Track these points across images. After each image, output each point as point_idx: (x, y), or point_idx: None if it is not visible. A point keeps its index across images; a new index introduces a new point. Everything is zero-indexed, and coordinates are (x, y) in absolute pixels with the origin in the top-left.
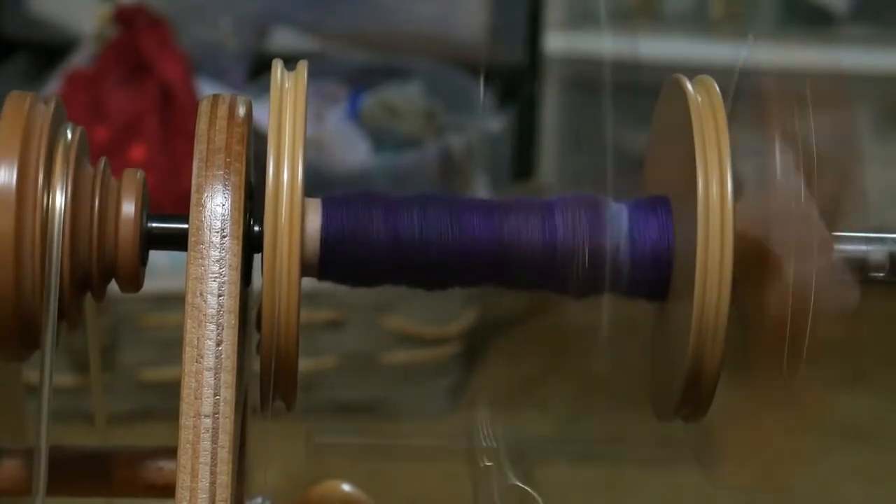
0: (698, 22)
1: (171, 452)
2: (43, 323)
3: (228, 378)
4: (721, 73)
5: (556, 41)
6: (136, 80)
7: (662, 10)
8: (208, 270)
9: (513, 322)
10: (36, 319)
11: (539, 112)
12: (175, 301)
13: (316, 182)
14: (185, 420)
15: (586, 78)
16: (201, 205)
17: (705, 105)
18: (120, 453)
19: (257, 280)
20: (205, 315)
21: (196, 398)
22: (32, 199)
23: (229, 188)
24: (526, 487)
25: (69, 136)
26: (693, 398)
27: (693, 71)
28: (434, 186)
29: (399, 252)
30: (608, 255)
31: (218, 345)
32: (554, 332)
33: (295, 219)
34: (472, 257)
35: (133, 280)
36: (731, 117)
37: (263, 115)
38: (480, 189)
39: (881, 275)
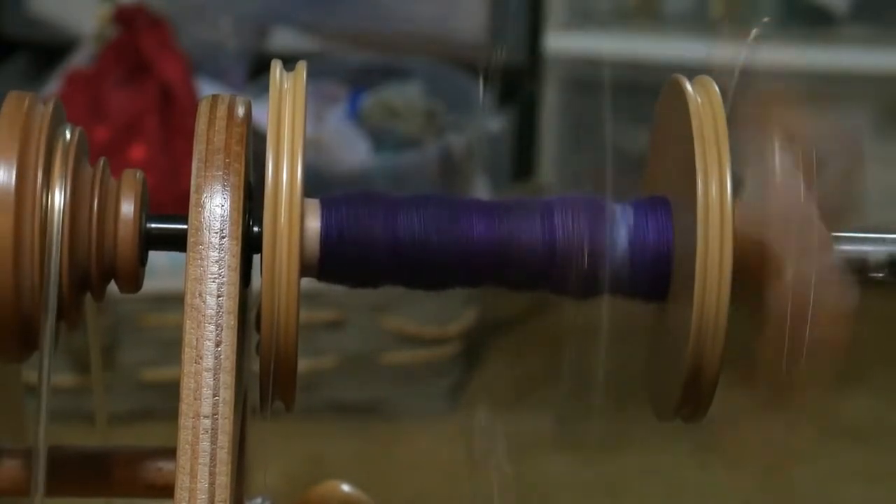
0: (698, 22)
1: (171, 453)
2: (42, 323)
3: (228, 379)
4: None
5: (556, 41)
6: (136, 80)
7: (662, 10)
8: (207, 271)
9: (513, 322)
10: (35, 320)
11: (539, 112)
12: (175, 301)
13: (316, 182)
14: (185, 420)
15: (586, 78)
16: (200, 205)
17: (705, 105)
18: (120, 453)
19: (257, 280)
20: (204, 316)
21: (195, 399)
22: (31, 199)
23: (228, 188)
24: (525, 487)
25: (68, 136)
26: (693, 398)
27: (693, 71)
28: (434, 186)
29: (399, 252)
30: (608, 256)
31: (217, 345)
32: (554, 332)
33: (294, 219)
34: (471, 257)
35: (132, 280)
36: (731, 117)
37: (263, 115)
38: (480, 189)
39: (881, 275)
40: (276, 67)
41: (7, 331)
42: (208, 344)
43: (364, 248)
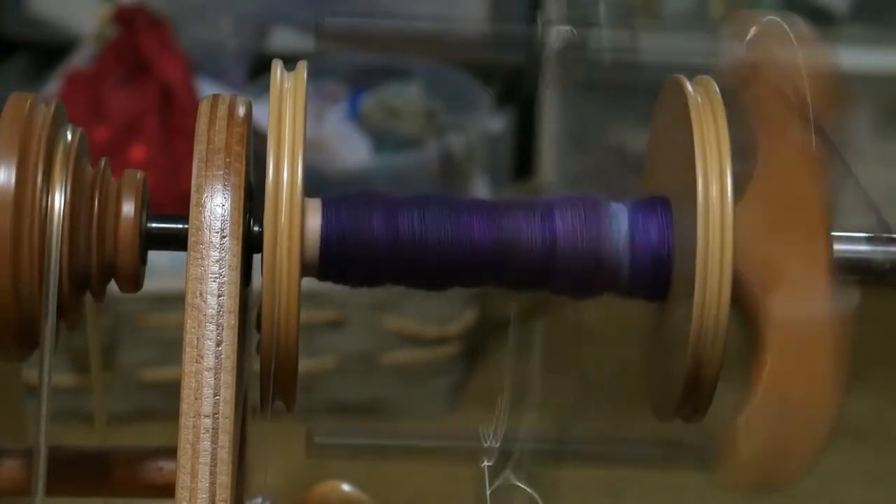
0: (698, 22)
1: (171, 452)
2: (42, 323)
3: (228, 378)
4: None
5: (556, 41)
6: (136, 80)
7: (662, 9)
8: (208, 271)
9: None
10: (35, 319)
11: (539, 112)
12: (175, 301)
13: (316, 182)
14: (185, 420)
15: (586, 78)
16: (201, 205)
17: (705, 105)
18: (120, 453)
19: (257, 280)
20: (205, 315)
21: (196, 398)
22: (31, 199)
23: (229, 188)
24: (526, 488)
25: (69, 136)
26: (693, 398)
27: (693, 71)
28: (434, 186)
29: (399, 252)
30: (608, 256)
31: (218, 345)
32: (554, 332)
33: (295, 219)
34: (471, 257)
35: (133, 280)
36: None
37: (263, 115)
38: (480, 189)
39: (881, 275)
40: (277, 67)
41: (7, 331)
42: (209, 343)
43: (364, 247)
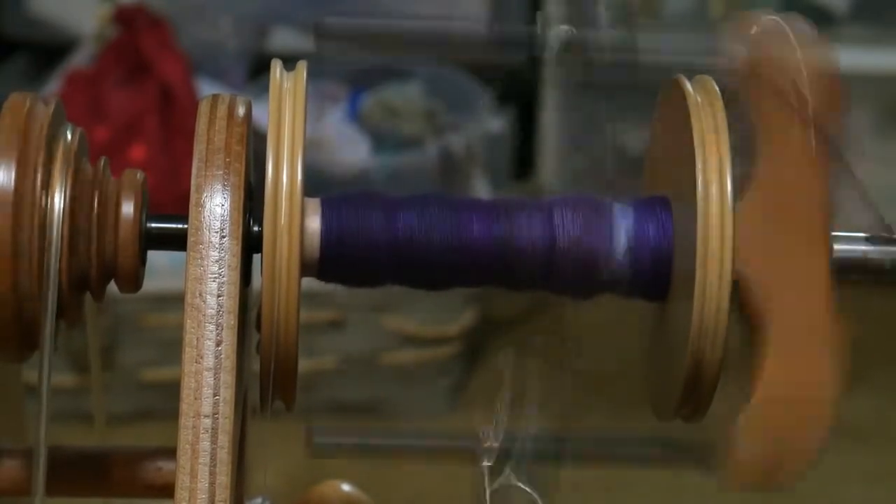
0: (698, 22)
1: (171, 453)
2: (42, 323)
3: (228, 378)
4: (721, 73)
5: (556, 41)
6: (136, 80)
7: (662, 9)
8: (208, 271)
9: (513, 322)
10: (35, 320)
11: (539, 112)
12: (175, 301)
13: (316, 182)
14: (185, 420)
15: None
16: (201, 205)
17: (705, 105)
18: (119, 453)
19: (257, 280)
20: (204, 315)
21: (196, 398)
22: (31, 199)
23: (229, 188)
24: (526, 488)
25: (69, 136)
26: (693, 398)
27: (693, 71)
28: (434, 186)
29: (399, 252)
30: (608, 256)
31: (217, 345)
32: (554, 332)
33: (295, 219)
34: (471, 257)
35: (132, 280)
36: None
37: (263, 115)
38: (480, 189)
39: (881, 275)
40: (277, 67)
41: (7, 330)
42: (209, 343)
43: (364, 247)
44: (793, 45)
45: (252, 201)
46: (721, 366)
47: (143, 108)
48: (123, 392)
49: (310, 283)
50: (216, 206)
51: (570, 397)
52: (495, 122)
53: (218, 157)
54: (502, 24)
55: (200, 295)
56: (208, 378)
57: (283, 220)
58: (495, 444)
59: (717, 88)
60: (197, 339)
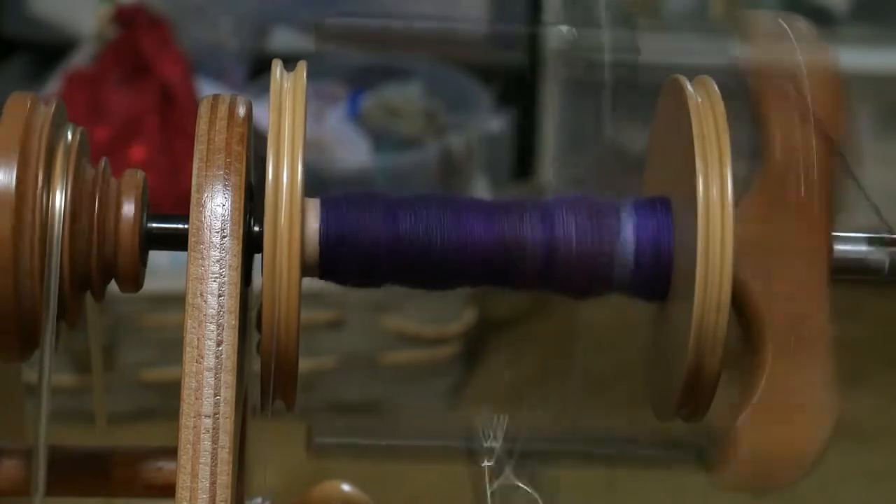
0: (698, 22)
1: (171, 452)
2: (42, 323)
3: (229, 378)
4: (721, 73)
5: (556, 41)
6: (136, 80)
7: (662, 9)
8: (208, 270)
9: (513, 322)
10: (36, 319)
11: (539, 112)
12: (175, 301)
13: (316, 182)
14: (185, 420)
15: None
16: (201, 205)
17: (705, 105)
18: (120, 453)
19: (257, 280)
20: (205, 315)
21: (196, 398)
22: (32, 199)
23: (229, 188)
24: (525, 487)
25: (69, 136)
26: (693, 398)
27: (693, 71)
28: (434, 186)
29: (399, 252)
30: (608, 256)
31: (218, 345)
32: (554, 332)
33: (295, 219)
34: (471, 257)
35: (133, 280)
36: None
37: (263, 115)
38: (480, 189)
39: (881, 275)
40: (277, 67)
41: (7, 330)
42: (209, 343)
43: (364, 247)
44: (794, 46)
45: (252, 201)
46: (721, 366)
47: (143, 108)
48: (124, 392)
49: (310, 283)
50: (217, 206)
51: (574, 397)
52: (495, 122)
53: (218, 157)
54: (502, 24)
55: (201, 295)
56: (209, 378)
57: (283, 220)
58: (496, 444)
59: (717, 89)
60: (198, 338)
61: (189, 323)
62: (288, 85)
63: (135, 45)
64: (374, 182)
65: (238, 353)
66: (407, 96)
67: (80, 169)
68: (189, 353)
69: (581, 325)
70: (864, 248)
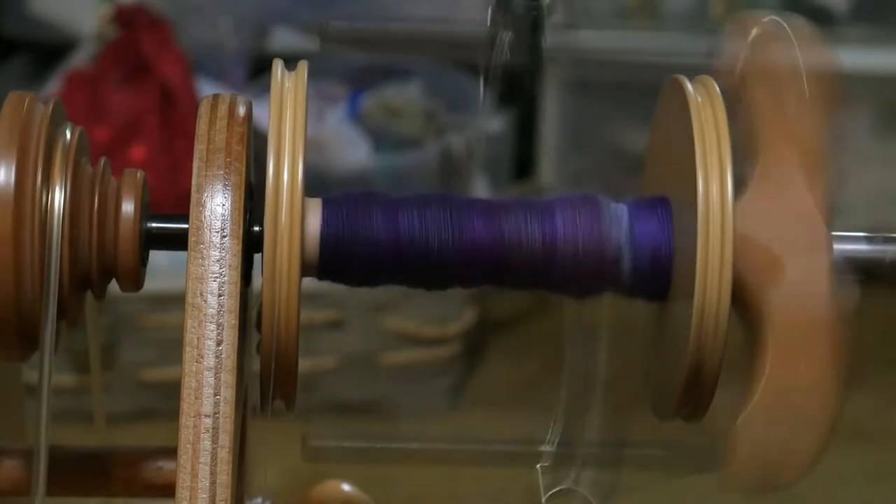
0: (698, 21)
1: (171, 452)
2: (42, 323)
3: (228, 378)
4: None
5: (556, 41)
6: (136, 80)
7: (662, 9)
8: (208, 270)
9: (513, 322)
10: (35, 319)
11: (539, 112)
12: (175, 301)
13: (316, 182)
14: (185, 420)
15: (586, 78)
16: (201, 204)
17: (705, 105)
18: (120, 453)
19: (257, 280)
20: (205, 315)
21: (196, 398)
22: (31, 199)
23: (229, 188)
24: (584, 493)
25: (68, 135)
26: (693, 398)
27: (693, 71)
28: (434, 186)
29: (399, 252)
30: (608, 256)
31: (218, 345)
32: (554, 332)
33: (295, 219)
34: (472, 257)
35: (133, 280)
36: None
37: (263, 115)
38: (480, 189)
39: (881, 275)
40: (278, 67)
41: (7, 330)
42: (209, 343)
43: (364, 247)
44: (793, 46)
45: (252, 201)
46: (721, 366)
47: (143, 108)
48: (124, 392)
49: (310, 283)
50: (217, 206)
51: (570, 397)
52: (495, 122)
53: (218, 156)
54: (502, 24)
55: (201, 294)
56: (209, 378)
57: (283, 220)
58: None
59: (717, 88)
60: (197, 338)
61: (189, 323)
62: (288, 85)
63: (135, 45)
64: (374, 182)
65: (238, 353)
66: (407, 96)
67: (79, 168)
68: (189, 353)
69: (581, 326)
70: (864, 247)
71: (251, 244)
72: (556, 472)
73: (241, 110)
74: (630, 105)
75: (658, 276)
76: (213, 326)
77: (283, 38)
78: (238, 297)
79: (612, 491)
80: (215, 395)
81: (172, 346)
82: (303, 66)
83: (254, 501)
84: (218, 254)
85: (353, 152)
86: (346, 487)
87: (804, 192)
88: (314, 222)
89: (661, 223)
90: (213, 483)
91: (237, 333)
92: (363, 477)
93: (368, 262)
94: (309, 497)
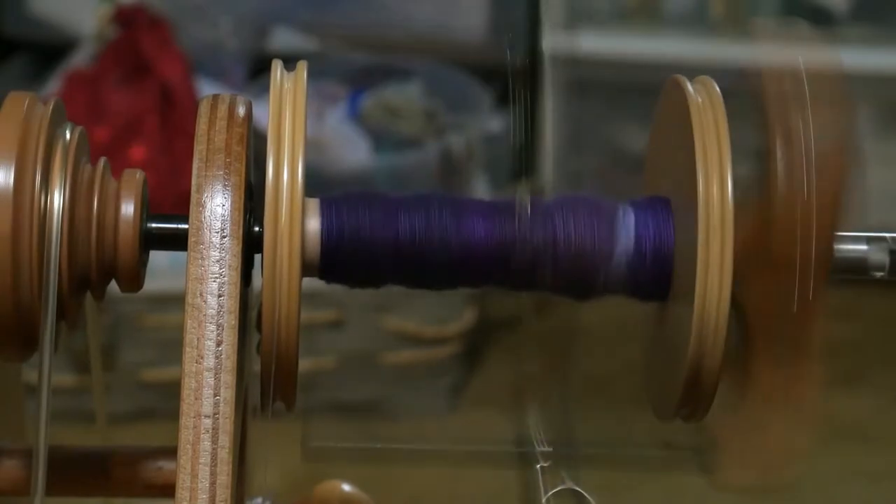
0: (698, 22)
1: (171, 452)
2: (42, 323)
3: (228, 378)
4: (721, 73)
5: (556, 41)
6: (136, 80)
7: (662, 9)
8: (208, 271)
9: (513, 322)
10: (35, 319)
11: (539, 112)
12: (175, 301)
13: (316, 182)
14: (185, 420)
15: (586, 78)
16: (201, 205)
17: (705, 105)
18: (120, 453)
19: (257, 280)
20: (205, 315)
21: (196, 398)
22: (30, 198)
23: (229, 188)
24: (582, 491)
25: (68, 135)
26: (693, 398)
27: (693, 71)
28: (434, 186)
29: (399, 252)
30: (608, 256)
31: (218, 345)
32: (554, 333)
33: (295, 219)
34: (472, 257)
35: (133, 280)
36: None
37: (263, 115)
38: (480, 189)
39: (881, 275)
40: (277, 67)
41: (7, 330)
42: (209, 343)
43: (365, 247)
44: (797, 49)
45: (252, 201)
46: (721, 366)
47: (143, 108)
48: (124, 392)
49: (310, 283)
50: (217, 206)
51: (570, 397)
52: (495, 122)
53: (218, 157)
54: (502, 24)
55: (201, 295)
56: (209, 378)
57: (283, 220)
58: (549, 448)
59: (717, 88)
60: (197, 339)
61: (189, 323)
62: (288, 85)
63: (135, 45)
64: (374, 182)
65: (238, 354)
66: (407, 96)
67: (78, 168)
68: (189, 354)
69: (581, 326)
70: (864, 247)
71: (251, 244)
72: (555, 472)
73: (241, 110)
74: (630, 105)
75: (658, 277)
76: (212, 327)
77: (283, 38)
78: (238, 297)
79: (612, 491)
80: (215, 395)
81: (172, 347)
82: (302, 67)
83: (254, 502)
84: (218, 254)
85: (353, 152)
86: (346, 487)
87: (807, 194)
88: (314, 222)
89: (662, 223)
90: (213, 483)
91: (237, 334)
92: (363, 477)
93: (368, 262)
94: (309, 497)
